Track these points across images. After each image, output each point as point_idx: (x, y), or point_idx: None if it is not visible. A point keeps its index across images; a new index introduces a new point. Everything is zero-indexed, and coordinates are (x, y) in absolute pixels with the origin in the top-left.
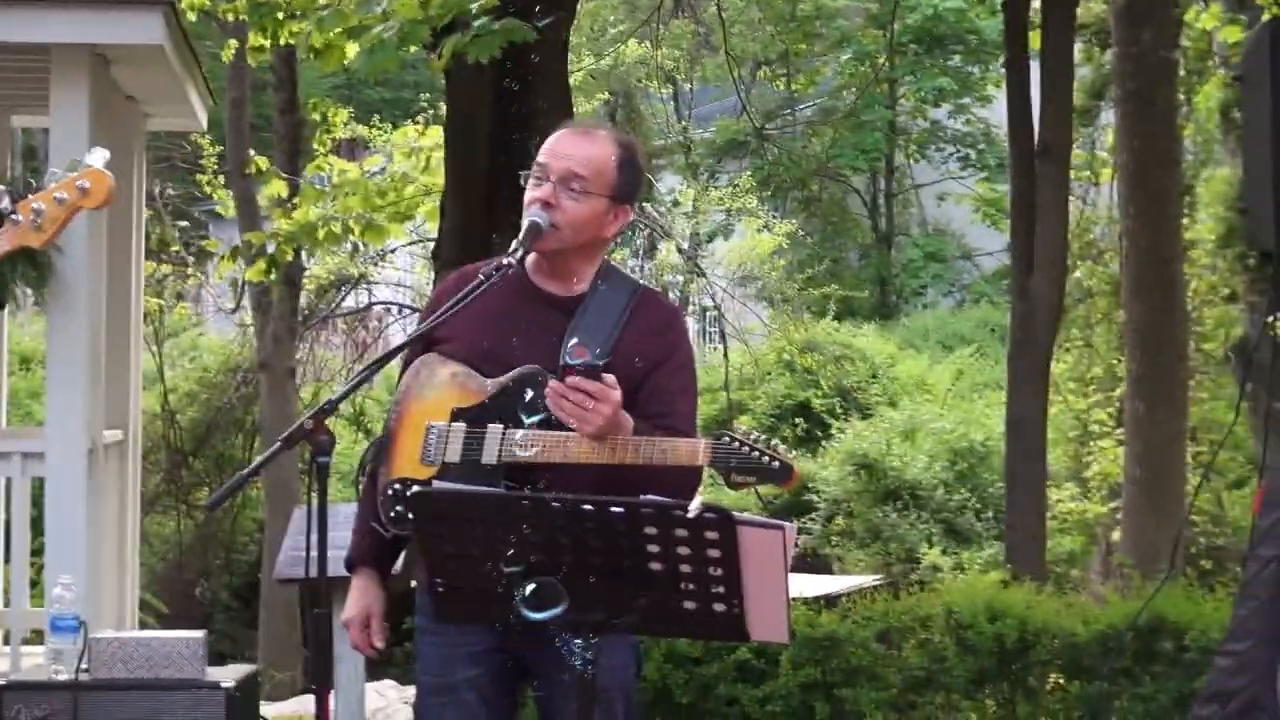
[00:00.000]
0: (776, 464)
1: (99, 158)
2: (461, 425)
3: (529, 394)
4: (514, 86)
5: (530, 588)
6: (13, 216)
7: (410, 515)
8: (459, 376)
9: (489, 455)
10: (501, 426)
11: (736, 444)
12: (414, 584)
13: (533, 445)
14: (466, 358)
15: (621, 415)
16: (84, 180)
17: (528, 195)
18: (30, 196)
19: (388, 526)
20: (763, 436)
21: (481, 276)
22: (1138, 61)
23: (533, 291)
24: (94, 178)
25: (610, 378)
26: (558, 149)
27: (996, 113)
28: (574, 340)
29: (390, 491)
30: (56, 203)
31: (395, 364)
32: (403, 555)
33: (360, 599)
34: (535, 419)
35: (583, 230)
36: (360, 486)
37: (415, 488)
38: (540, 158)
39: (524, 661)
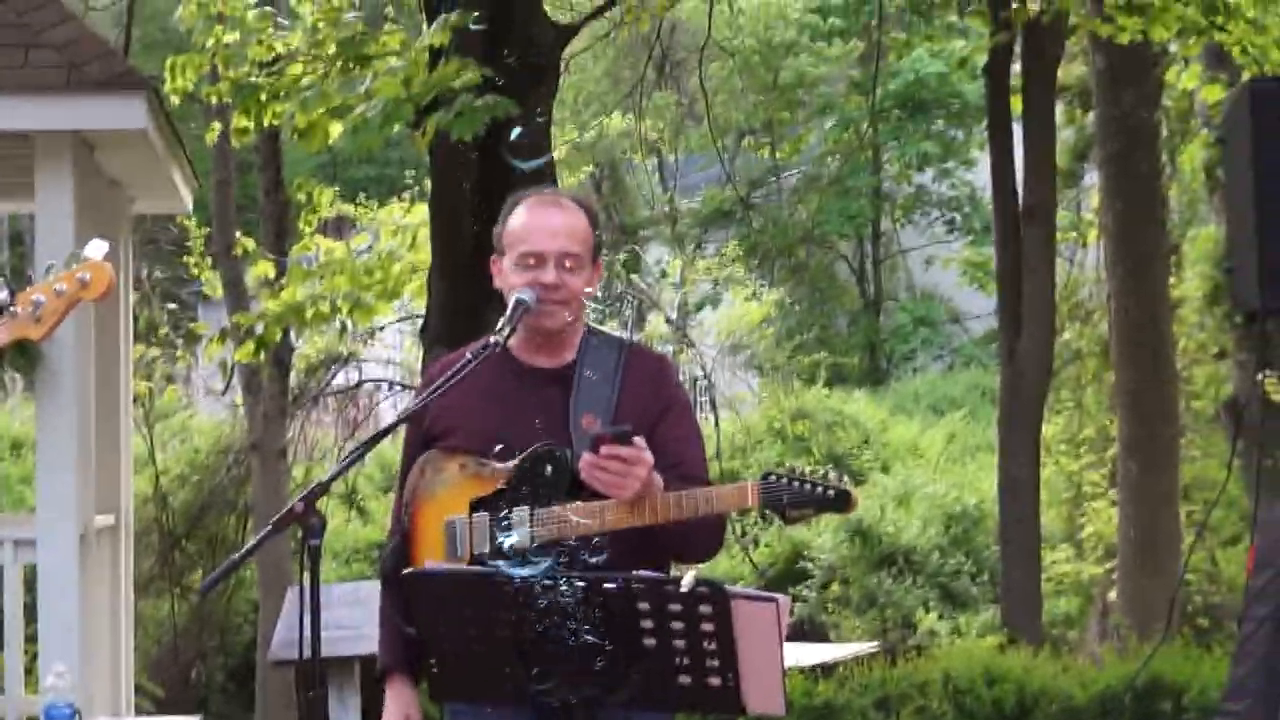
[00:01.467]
0: (832, 493)
1: (98, 250)
2: (484, 515)
3: (549, 470)
4: (498, 162)
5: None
6: (11, 309)
7: (410, 598)
8: (469, 467)
9: (521, 539)
10: (528, 509)
11: (785, 480)
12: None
13: (563, 520)
14: (473, 446)
15: (654, 476)
16: (84, 273)
17: (518, 279)
18: (29, 288)
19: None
20: (808, 468)
21: (469, 355)
22: (1120, 123)
23: (524, 370)
24: (94, 270)
25: (640, 440)
26: (545, 228)
27: (981, 175)
28: (583, 413)
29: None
30: (56, 295)
31: (387, 441)
32: None
33: (398, 707)
34: (552, 494)
35: (581, 300)
36: (381, 593)
37: (409, 569)
38: (528, 244)
39: None
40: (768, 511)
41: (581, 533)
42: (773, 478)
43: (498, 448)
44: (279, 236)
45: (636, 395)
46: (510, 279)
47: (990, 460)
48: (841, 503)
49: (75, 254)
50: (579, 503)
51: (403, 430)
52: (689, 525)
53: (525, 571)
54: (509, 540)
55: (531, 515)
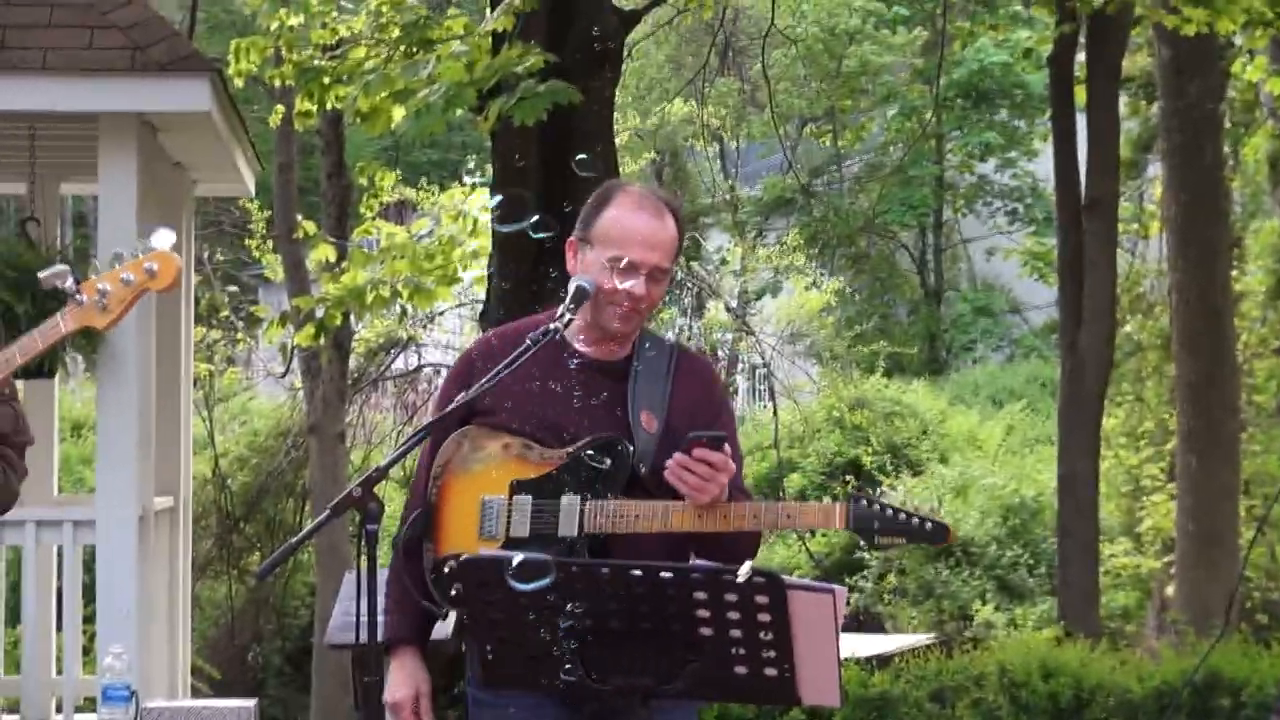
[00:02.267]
0: (929, 525)
1: (166, 240)
2: (527, 498)
3: (607, 461)
4: (560, 147)
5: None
6: (78, 297)
7: (461, 583)
8: (513, 448)
9: (567, 528)
10: (578, 498)
11: (876, 506)
12: (465, 649)
13: (620, 515)
14: (523, 428)
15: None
16: (152, 263)
17: (609, 283)
18: (95, 277)
19: (443, 604)
20: (887, 493)
21: (529, 340)
22: (1184, 114)
23: (578, 358)
24: (161, 260)
25: (728, 448)
26: (646, 240)
27: (1044, 166)
28: (641, 409)
29: (447, 570)
30: (123, 284)
31: None
32: (452, 619)
33: (408, 680)
34: (607, 486)
35: (653, 307)
36: (394, 563)
37: (466, 556)
38: (625, 252)
39: None
40: (855, 534)
41: (637, 529)
42: (864, 501)
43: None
44: (340, 220)
45: (688, 397)
46: (595, 276)
47: (1049, 452)
48: (941, 535)
49: (144, 243)
50: (638, 500)
51: None
52: (732, 539)
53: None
54: (560, 529)
55: (583, 505)
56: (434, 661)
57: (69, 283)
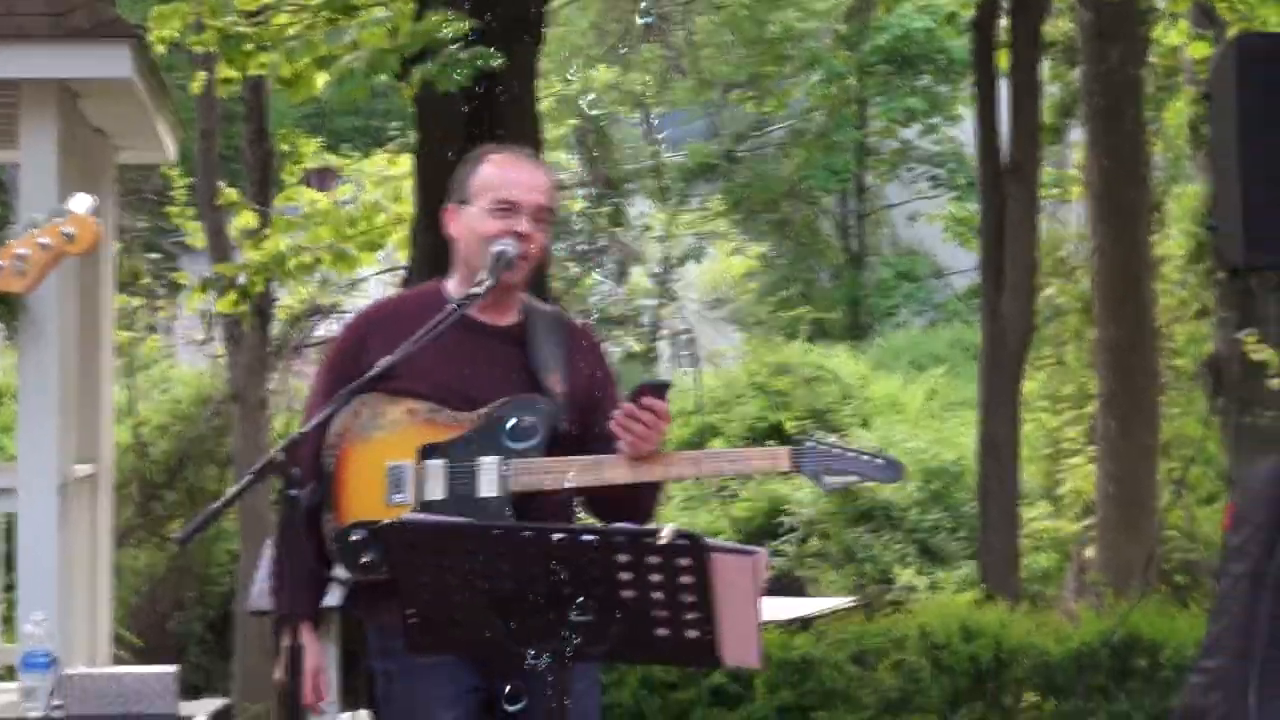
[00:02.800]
0: (881, 460)
1: (83, 204)
2: (439, 461)
3: (525, 419)
4: (484, 114)
5: (512, 422)
6: None
7: (384, 549)
8: (420, 413)
9: (487, 488)
10: (498, 458)
11: (826, 447)
12: (364, 619)
13: (546, 471)
14: (427, 393)
15: None
16: (69, 227)
17: (491, 226)
18: (12, 242)
19: (354, 572)
20: (836, 438)
21: (453, 304)
22: (1106, 79)
23: (474, 325)
24: (79, 224)
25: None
26: (523, 181)
27: (966, 132)
28: (550, 373)
29: (354, 537)
30: (40, 249)
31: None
32: (340, 589)
33: (313, 658)
34: (526, 445)
35: (541, 256)
36: (279, 537)
37: (386, 521)
38: (506, 192)
39: (496, 693)
40: (803, 476)
41: (573, 484)
42: (811, 444)
43: (451, 398)
44: (262, 187)
45: (584, 363)
46: (477, 225)
47: (971, 416)
48: (894, 471)
49: (59, 208)
50: (571, 456)
51: None
52: (643, 490)
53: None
54: (480, 490)
55: (505, 465)
56: (335, 631)
57: None
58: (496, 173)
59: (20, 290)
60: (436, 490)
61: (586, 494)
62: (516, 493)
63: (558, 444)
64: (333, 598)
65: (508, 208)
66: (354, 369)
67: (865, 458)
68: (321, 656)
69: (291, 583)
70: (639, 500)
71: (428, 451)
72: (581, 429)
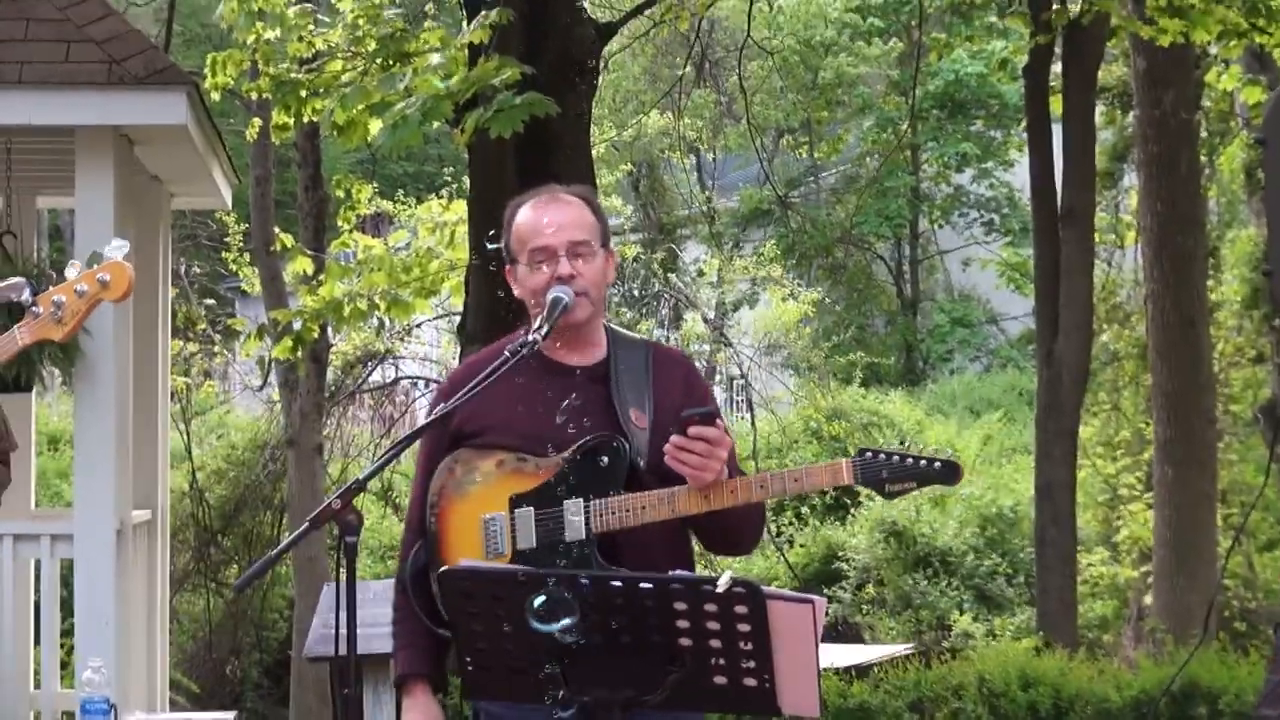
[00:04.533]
0: (938, 464)
1: (119, 250)
2: (529, 510)
3: (604, 460)
4: (536, 159)
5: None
6: (33, 309)
7: (443, 595)
8: (508, 464)
9: (574, 531)
10: (581, 500)
11: (883, 455)
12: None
13: (625, 510)
14: (512, 444)
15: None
16: (104, 274)
17: (536, 280)
18: (50, 289)
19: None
20: (902, 443)
21: (507, 353)
22: (1159, 124)
23: (556, 368)
24: (114, 271)
25: (722, 422)
26: (549, 222)
27: (1020, 176)
28: (630, 408)
29: (435, 585)
30: (77, 295)
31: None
32: None
33: (421, 716)
34: (607, 485)
35: (600, 286)
36: (398, 600)
37: (443, 568)
38: (535, 241)
39: None
40: (866, 488)
41: (647, 520)
42: (869, 454)
43: (537, 445)
44: (317, 233)
45: (670, 390)
46: (527, 283)
47: (1026, 462)
48: (952, 473)
49: (96, 254)
50: (644, 492)
51: None
52: (737, 517)
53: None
54: (567, 534)
55: (587, 506)
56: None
57: (25, 295)
58: (525, 224)
59: (59, 339)
60: (528, 539)
61: (692, 525)
62: (602, 533)
63: (637, 481)
64: None
65: (544, 256)
66: (443, 430)
67: (923, 462)
68: (436, 716)
69: (405, 643)
70: (741, 528)
71: (517, 501)
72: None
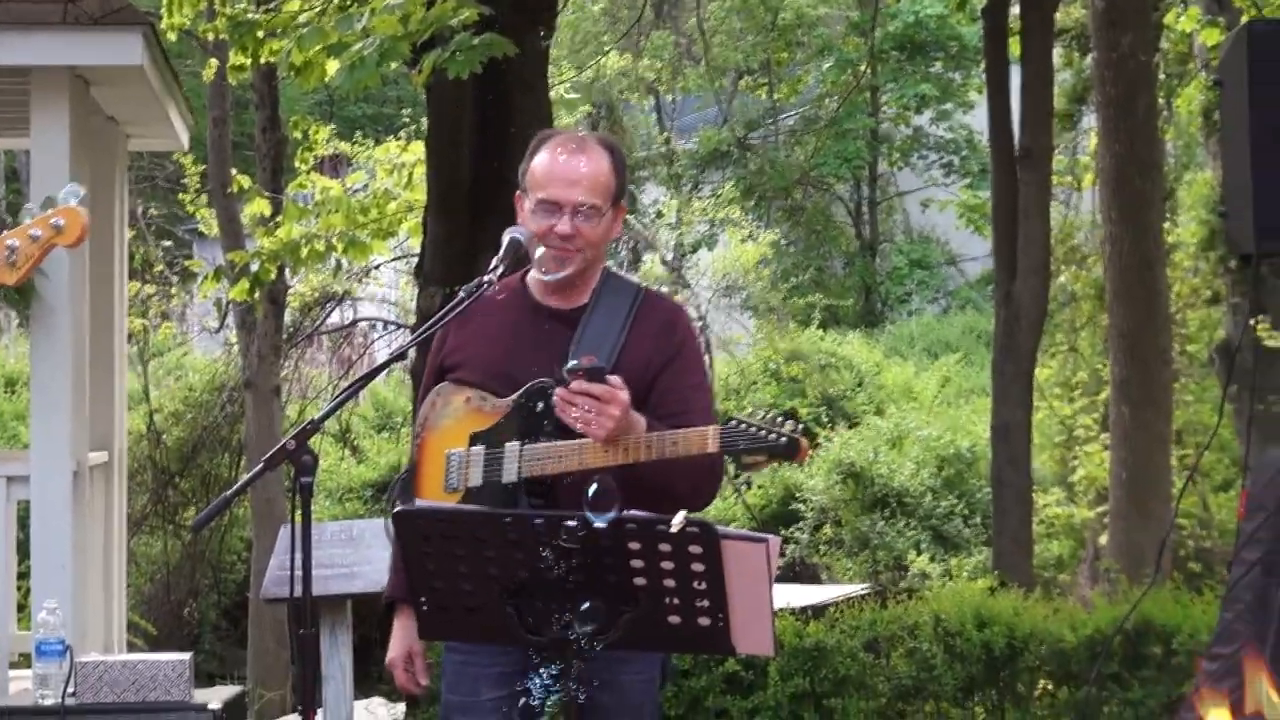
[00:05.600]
0: (783, 439)
1: (73, 194)
2: (480, 448)
3: (539, 406)
4: (495, 101)
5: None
6: None
7: (400, 537)
8: (473, 401)
9: (509, 474)
10: (519, 443)
11: (742, 425)
12: None
13: (547, 457)
14: (479, 381)
15: (633, 416)
16: (58, 218)
17: (537, 225)
18: (3, 233)
19: None
20: (770, 414)
21: (461, 294)
22: (1118, 66)
23: (537, 307)
24: (68, 215)
25: (616, 378)
26: (565, 176)
27: (979, 119)
28: (582, 354)
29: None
30: (31, 240)
31: (380, 380)
32: None
33: (403, 638)
34: (548, 429)
35: (599, 246)
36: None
37: (397, 508)
38: (547, 191)
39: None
40: (728, 455)
41: (562, 469)
42: (733, 423)
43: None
44: (275, 174)
45: (646, 341)
46: (529, 222)
47: (984, 404)
48: (792, 450)
49: (50, 199)
50: (560, 442)
51: (394, 370)
52: (672, 468)
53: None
54: (503, 476)
55: (520, 451)
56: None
57: None
58: (543, 168)
59: (12, 283)
60: (477, 477)
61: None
62: (533, 477)
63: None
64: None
65: (550, 208)
66: (437, 363)
67: (771, 437)
68: (416, 641)
69: (393, 569)
70: (671, 486)
71: (474, 439)
72: (637, 406)
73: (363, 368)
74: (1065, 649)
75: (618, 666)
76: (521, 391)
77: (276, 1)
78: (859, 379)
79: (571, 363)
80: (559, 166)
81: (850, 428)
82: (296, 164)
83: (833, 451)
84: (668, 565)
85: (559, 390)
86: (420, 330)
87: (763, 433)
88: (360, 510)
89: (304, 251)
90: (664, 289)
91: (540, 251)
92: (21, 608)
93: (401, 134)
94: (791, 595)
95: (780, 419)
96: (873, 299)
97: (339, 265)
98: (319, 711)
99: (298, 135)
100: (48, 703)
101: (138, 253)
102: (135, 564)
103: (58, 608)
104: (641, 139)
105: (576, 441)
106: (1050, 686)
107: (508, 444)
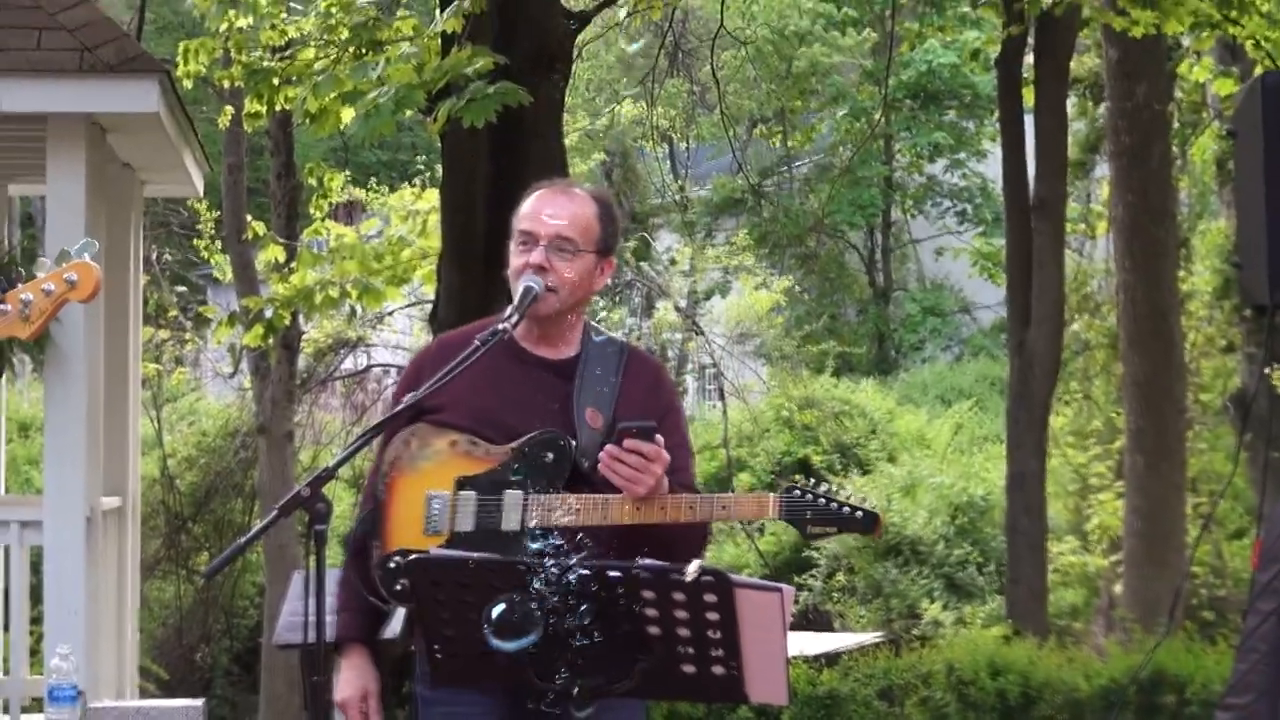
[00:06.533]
0: (860, 514)
1: (88, 249)
2: (472, 494)
3: (550, 456)
4: (509, 149)
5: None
6: (1, 307)
7: (410, 581)
8: (460, 445)
9: (510, 522)
10: (521, 493)
11: (810, 496)
12: (413, 648)
13: (560, 508)
14: (468, 425)
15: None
16: (71, 273)
17: (515, 261)
18: (19, 287)
19: (390, 600)
20: (829, 487)
21: (477, 341)
22: (1132, 115)
23: (526, 357)
24: (81, 271)
25: (660, 439)
26: (541, 212)
27: (992, 167)
28: (586, 407)
29: (392, 565)
30: (44, 294)
31: None
32: (401, 618)
33: (356, 679)
34: (551, 480)
35: (577, 290)
36: (347, 561)
37: (414, 555)
38: (524, 224)
39: None
40: (790, 525)
41: (579, 523)
42: (797, 491)
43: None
44: (289, 221)
45: (634, 397)
46: (510, 262)
47: (998, 451)
48: (870, 524)
49: (65, 251)
50: (580, 494)
51: None
52: (679, 531)
53: (531, 551)
54: (503, 524)
55: (526, 500)
56: (383, 660)
57: None
58: (526, 206)
59: (24, 336)
60: (467, 522)
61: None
62: (536, 527)
63: (583, 480)
64: (392, 628)
65: (525, 240)
66: (409, 403)
67: (846, 510)
68: (371, 681)
69: (342, 608)
70: (685, 544)
71: (462, 483)
72: None
73: (376, 413)
74: (1080, 698)
75: (606, 716)
76: (525, 440)
77: (292, 49)
78: (872, 426)
79: (623, 423)
80: (539, 202)
81: (863, 475)
82: (311, 210)
83: (841, 493)
84: (682, 614)
85: (608, 448)
86: (437, 378)
87: (834, 504)
88: None
89: (318, 298)
90: (678, 336)
91: (519, 290)
92: (34, 652)
93: (416, 181)
94: (805, 643)
95: (846, 492)
96: (886, 346)
97: (353, 311)
98: None
99: (312, 182)
100: None
101: (152, 298)
102: (148, 609)
103: (70, 653)
104: (656, 187)
105: (602, 496)
106: None
107: (508, 492)
